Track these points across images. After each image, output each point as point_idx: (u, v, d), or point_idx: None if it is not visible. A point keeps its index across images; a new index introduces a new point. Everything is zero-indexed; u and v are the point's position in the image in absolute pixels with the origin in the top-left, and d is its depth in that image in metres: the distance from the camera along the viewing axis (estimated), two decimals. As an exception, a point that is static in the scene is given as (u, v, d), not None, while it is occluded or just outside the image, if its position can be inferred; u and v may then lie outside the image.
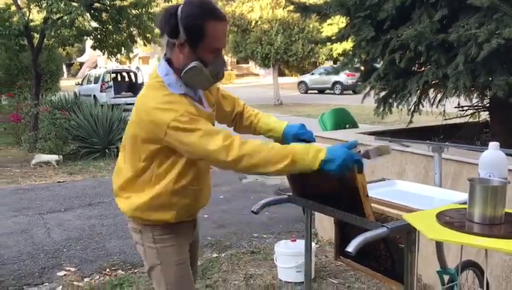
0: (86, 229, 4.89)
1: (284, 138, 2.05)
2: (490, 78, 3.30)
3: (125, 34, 11.50)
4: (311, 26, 19.87)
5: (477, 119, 4.73)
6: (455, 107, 4.62)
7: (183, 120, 1.67)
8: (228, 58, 46.37)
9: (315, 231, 4.44)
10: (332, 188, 1.94)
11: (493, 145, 1.78)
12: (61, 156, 8.31)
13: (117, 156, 8.00)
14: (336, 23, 18.07)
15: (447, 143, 2.60)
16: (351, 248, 1.71)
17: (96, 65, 39.85)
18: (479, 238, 1.54)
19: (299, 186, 2.17)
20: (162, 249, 1.92)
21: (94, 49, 12.02)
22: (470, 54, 3.17)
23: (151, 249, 1.93)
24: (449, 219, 1.69)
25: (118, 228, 4.86)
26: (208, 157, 1.70)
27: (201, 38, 1.70)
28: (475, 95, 3.94)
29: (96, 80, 19.22)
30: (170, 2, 12.63)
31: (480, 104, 4.45)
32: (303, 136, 2.02)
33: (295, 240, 3.72)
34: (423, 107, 4.55)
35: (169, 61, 1.80)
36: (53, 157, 8.18)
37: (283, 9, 19.78)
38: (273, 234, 4.59)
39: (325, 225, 4.27)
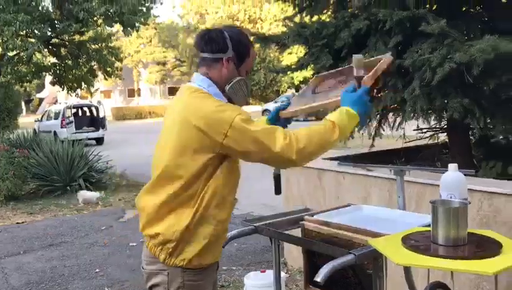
0: (47, 271, 4.68)
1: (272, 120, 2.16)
2: (446, 101, 3.40)
3: (85, 69, 11.39)
4: (271, 55, 20.23)
5: (436, 141, 4.85)
6: (414, 130, 4.74)
7: (244, 118, 1.71)
8: (191, 89, 46.65)
9: (284, 260, 4.40)
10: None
11: (452, 167, 1.81)
12: (103, 192, 8.24)
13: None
14: (295, 52, 18.48)
15: (408, 166, 2.65)
16: (319, 277, 1.69)
17: (57, 100, 39.16)
18: (444, 261, 1.55)
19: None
20: None
21: (53, 84, 11.86)
22: (425, 78, 3.27)
23: None
24: (414, 242, 1.70)
25: (81, 268, 4.68)
26: (271, 157, 1.73)
27: (246, 56, 1.87)
28: (433, 117, 4.05)
29: (56, 116, 18.82)
30: (130, 36, 12.65)
31: (438, 126, 4.57)
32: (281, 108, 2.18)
33: (265, 271, 3.66)
34: (384, 131, 4.64)
35: (206, 76, 1.86)
36: (94, 195, 8.02)
37: (244, 40, 20.11)
38: (242, 266, 4.52)
39: (294, 254, 4.24)
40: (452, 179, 1.81)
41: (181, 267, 1.77)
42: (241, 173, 1.87)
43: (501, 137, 3.99)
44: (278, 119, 2.14)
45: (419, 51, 3.35)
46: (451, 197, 1.78)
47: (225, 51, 1.83)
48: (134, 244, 5.41)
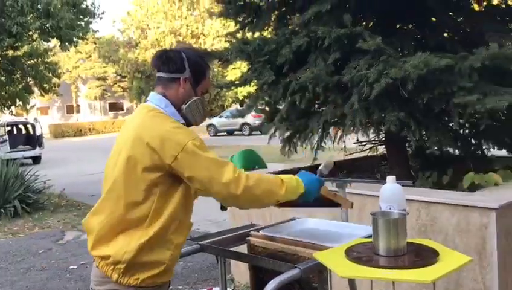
0: (-21, 301, 4.40)
1: None
2: (383, 115, 3.54)
3: (20, 85, 10.91)
4: (215, 70, 20.27)
5: (375, 153, 5.02)
6: (354, 143, 4.88)
7: (198, 144, 1.73)
8: (133, 104, 45.78)
9: (231, 276, 4.37)
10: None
11: (390, 179, 1.88)
12: None
13: (14, 215, 7.34)
14: (239, 67, 18.64)
15: (349, 179, 2.72)
16: (266, 293, 1.69)
17: (-11, 118, 37.24)
18: (385, 271, 1.60)
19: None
20: None
21: (-15, 102, 11.25)
22: (363, 93, 3.39)
23: None
24: (357, 254, 1.74)
25: (17, 295, 4.44)
26: (216, 185, 1.71)
27: (202, 77, 1.91)
28: (371, 130, 4.19)
29: (-12, 135, 17.88)
30: (68, 51, 12.28)
31: (376, 139, 4.74)
32: None
33: (211, 289, 3.62)
34: (325, 144, 4.75)
35: (163, 95, 1.87)
36: None
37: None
38: (188, 285, 4.44)
39: (241, 269, 4.22)
40: (390, 191, 1.87)
41: (134, 286, 1.74)
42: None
43: (435, 148, 4.18)
44: None
45: (357, 67, 3.47)
46: (390, 209, 1.84)
47: (182, 71, 1.86)
48: (75, 267, 5.19)
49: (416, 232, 2.94)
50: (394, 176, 1.89)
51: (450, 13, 4.32)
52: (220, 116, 27.84)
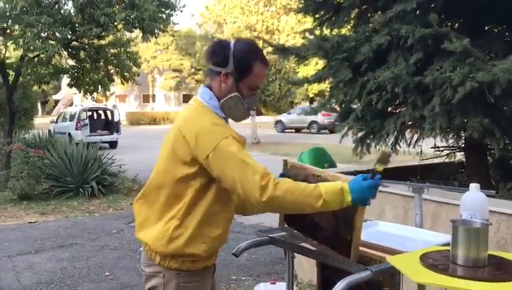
0: (58, 272, 4.70)
1: None
2: (465, 120, 3.38)
3: (102, 73, 11.48)
4: (287, 66, 20.27)
5: (453, 160, 4.80)
6: (431, 148, 4.70)
7: (229, 142, 1.71)
8: (206, 97, 46.79)
9: (294, 273, 4.36)
10: (324, 217, 1.93)
11: (474, 186, 1.79)
12: None
13: (91, 195, 7.75)
14: (312, 64, 18.51)
15: (427, 184, 2.62)
16: (335, 292, 1.67)
17: (72, 103, 39.57)
18: (463, 281, 1.53)
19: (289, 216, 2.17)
20: None
21: (70, 87, 11.95)
22: (446, 96, 3.25)
23: None
24: (433, 261, 1.67)
25: (91, 270, 4.69)
26: (241, 189, 1.67)
27: (247, 73, 1.82)
28: (451, 135, 4.02)
29: (71, 118, 19.01)
30: (149, 42, 12.76)
31: (455, 145, 4.53)
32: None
33: (275, 283, 3.63)
34: (400, 147, 4.61)
35: (209, 88, 1.87)
36: None
37: (260, 50, 20.18)
38: (251, 277, 4.49)
39: (304, 266, 4.21)
40: (473, 199, 1.78)
41: (176, 269, 1.81)
42: None
43: (520, 159, 3.94)
44: None
45: (440, 69, 3.34)
46: (471, 217, 1.75)
47: (225, 65, 1.81)
48: (145, 249, 5.41)
49: (494, 246, 2.79)
50: (478, 184, 1.80)
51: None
52: (289, 113, 27.80)
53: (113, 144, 18.34)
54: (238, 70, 1.81)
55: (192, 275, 1.84)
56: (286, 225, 2.21)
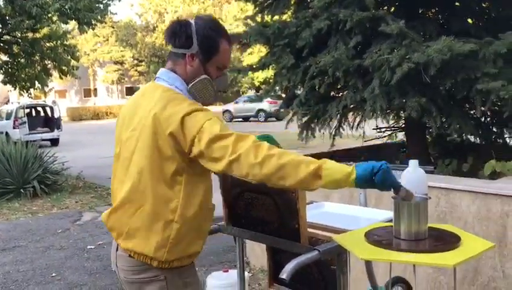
0: (0, 277, 4.49)
1: None
2: (404, 100, 3.49)
3: (39, 67, 11.00)
4: (232, 56, 20.21)
5: (394, 140, 4.97)
6: (373, 129, 4.84)
7: (214, 120, 1.59)
8: (150, 89, 45.90)
9: (247, 259, 4.38)
10: (267, 211, 1.94)
11: (413, 163, 1.84)
12: None
13: (33, 195, 7.42)
14: (256, 52, 18.52)
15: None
16: (284, 274, 1.68)
17: (8, 100, 37.70)
18: (407, 254, 1.58)
19: (230, 215, 2.15)
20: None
21: (5, 84, 11.38)
22: (384, 77, 3.34)
23: None
24: (377, 237, 1.72)
25: (37, 273, 4.51)
26: (237, 160, 1.52)
27: (214, 52, 1.73)
28: (391, 116, 4.14)
29: (8, 116, 18.14)
30: (85, 33, 12.33)
31: (396, 125, 4.69)
32: None
33: (227, 271, 3.64)
34: (343, 130, 4.71)
35: (173, 71, 1.74)
36: None
37: (204, 39, 19.99)
38: (204, 267, 4.47)
39: (256, 252, 4.24)
40: (413, 175, 1.84)
41: (176, 267, 1.71)
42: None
43: (456, 136, 4.12)
44: None
45: (378, 51, 3.42)
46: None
47: (189, 46, 1.69)
48: (93, 247, 5.26)
49: (435, 220, 2.91)
50: (417, 160, 1.86)
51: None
52: (236, 102, 27.82)
53: (54, 142, 17.70)
54: (204, 51, 1.71)
55: (191, 267, 1.78)
56: (231, 226, 2.18)
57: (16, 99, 27.40)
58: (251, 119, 26.47)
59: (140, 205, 1.66)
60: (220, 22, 1.82)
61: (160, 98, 1.66)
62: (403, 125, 4.56)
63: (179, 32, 1.71)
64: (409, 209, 1.68)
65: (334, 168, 1.53)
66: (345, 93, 3.94)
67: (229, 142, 1.54)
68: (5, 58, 11.04)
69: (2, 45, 10.22)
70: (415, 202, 1.73)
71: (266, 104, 24.89)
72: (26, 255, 5.06)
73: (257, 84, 35.65)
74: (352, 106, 3.92)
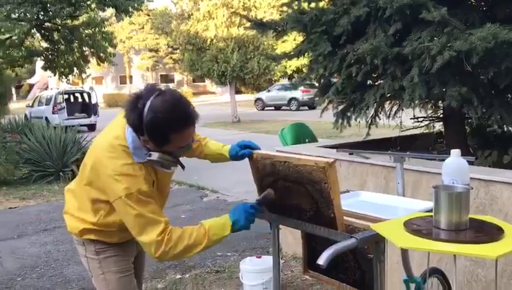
0: (42, 256, 4.67)
1: (232, 153, 2.22)
2: (444, 89, 3.41)
3: (77, 54, 11.25)
4: (265, 44, 20.13)
5: (431, 130, 4.87)
6: (411, 118, 4.75)
7: (132, 199, 1.74)
8: (184, 76, 46.27)
9: (279, 246, 4.41)
10: (302, 199, 1.94)
11: (455, 152, 1.81)
12: None
13: (72, 179, 7.67)
14: (290, 40, 18.41)
15: (408, 153, 2.65)
16: (321, 260, 1.69)
17: (47, 86, 38.78)
18: (446, 245, 1.56)
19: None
20: (105, 259, 2.01)
21: (45, 69, 11.72)
22: (424, 66, 3.27)
23: (93, 260, 2.02)
24: (416, 226, 1.70)
25: (76, 253, 4.63)
26: (140, 243, 1.80)
27: (165, 143, 1.76)
28: (429, 106, 4.06)
29: (48, 102, 18.63)
30: (122, 21, 12.50)
31: (434, 115, 4.59)
32: (246, 143, 2.19)
33: (260, 257, 3.67)
34: (380, 119, 4.65)
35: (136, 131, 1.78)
36: None
37: (238, 27, 19.96)
38: (237, 252, 4.53)
39: (289, 240, 4.25)
40: (455, 165, 1.81)
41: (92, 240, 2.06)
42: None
43: (496, 126, 4.00)
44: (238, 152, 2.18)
45: (419, 39, 3.35)
46: (453, 183, 1.78)
47: (140, 133, 1.74)
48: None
49: (474, 211, 2.85)
50: (459, 150, 1.82)
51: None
52: (268, 91, 27.75)
53: (91, 127, 18.09)
54: (156, 142, 1.75)
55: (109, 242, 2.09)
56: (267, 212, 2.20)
57: (55, 85, 28.15)
58: (283, 108, 26.40)
59: (80, 200, 2.00)
60: (179, 106, 1.75)
61: (108, 146, 1.82)
62: (441, 115, 4.46)
63: (130, 114, 1.73)
64: (450, 199, 1.65)
65: (216, 231, 1.86)
66: (382, 81, 3.87)
67: (138, 224, 1.77)
68: (45, 45, 11.34)
69: (43, 31, 10.49)
70: (456, 191, 1.71)
71: (299, 93, 24.77)
72: (66, 236, 5.21)
73: (290, 72, 35.46)
74: (389, 94, 3.85)
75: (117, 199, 1.75)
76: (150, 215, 1.75)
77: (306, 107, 24.67)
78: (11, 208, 6.74)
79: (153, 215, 1.76)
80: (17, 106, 26.04)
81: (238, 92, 29.20)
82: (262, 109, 27.21)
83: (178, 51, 36.13)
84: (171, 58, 44.14)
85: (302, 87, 22.80)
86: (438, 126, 4.82)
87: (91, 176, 1.86)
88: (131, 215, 1.75)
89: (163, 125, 1.70)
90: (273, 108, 27.02)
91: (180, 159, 1.92)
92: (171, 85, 49.29)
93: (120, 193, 1.74)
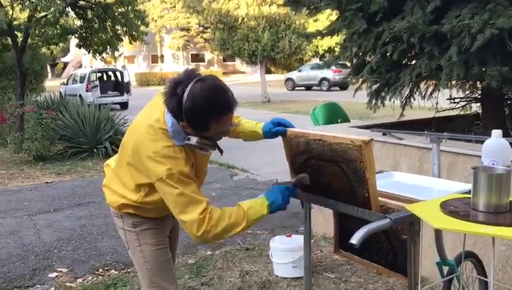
0: (77, 229, 4.81)
1: (265, 130, 2.20)
2: (484, 69, 3.30)
3: (110, 32, 11.34)
4: (297, 22, 19.86)
5: (468, 112, 4.74)
6: (447, 99, 4.63)
7: (174, 180, 1.76)
8: (215, 55, 46.24)
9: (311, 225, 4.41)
10: (335, 178, 1.92)
11: (496, 133, 1.76)
12: None
13: (105, 156, 7.82)
14: (323, 19, 18.09)
15: (445, 133, 2.59)
16: (354, 240, 1.68)
17: (81, 65, 39.44)
18: (485, 227, 1.53)
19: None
20: (141, 231, 2.06)
21: (79, 47, 11.86)
22: (464, 44, 3.16)
23: (130, 232, 2.08)
24: (453, 208, 1.67)
25: (110, 227, 4.79)
26: (181, 222, 1.82)
27: (204, 130, 1.78)
28: (467, 86, 3.94)
29: (81, 80, 19.01)
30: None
31: (471, 96, 4.45)
32: (280, 121, 2.18)
33: (290, 236, 3.69)
34: (414, 100, 4.55)
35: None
36: None
37: (269, 6, 19.74)
38: (267, 230, 4.56)
39: (319, 219, 4.25)
40: (496, 146, 1.75)
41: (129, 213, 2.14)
42: None
43: (538, 109, 3.87)
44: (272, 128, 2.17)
45: (458, 16, 3.23)
46: (493, 164, 1.73)
47: (179, 119, 1.76)
48: (160, 206, 5.49)
49: (512, 195, 2.78)
50: (500, 130, 1.76)
51: None
52: (299, 71, 27.49)
53: (124, 105, 18.38)
54: (194, 128, 1.77)
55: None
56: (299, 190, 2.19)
57: (88, 63, 28.60)
58: (314, 88, 26.14)
59: (122, 177, 2.08)
60: (218, 94, 1.74)
61: (148, 128, 1.84)
62: (479, 96, 4.33)
63: (170, 100, 1.75)
64: (490, 181, 1.61)
65: (254, 211, 1.88)
66: (419, 60, 3.77)
67: (180, 203, 1.79)
68: (79, 23, 11.46)
69: (77, 10, 10.61)
70: (496, 173, 1.66)
71: (330, 73, 24.44)
72: (100, 211, 5.37)
73: (321, 52, 34.97)
74: (426, 74, 3.75)
75: (159, 179, 1.77)
76: (191, 194, 1.78)
77: (337, 88, 24.37)
78: (47, 182, 6.95)
79: (194, 195, 1.79)
80: (52, 84, 26.63)
81: (268, 71, 29.04)
82: (293, 89, 27.01)
83: (209, 30, 36.05)
84: (202, 37, 44.12)
85: (333, 67, 22.50)
86: (475, 108, 4.69)
87: (132, 156, 1.89)
88: (173, 194, 1.77)
89: (202, 113, 1.72)
90: (303, 88, 26.78)
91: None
92: (201, 64, 49.19)
93: (162, 174, 1.76)
